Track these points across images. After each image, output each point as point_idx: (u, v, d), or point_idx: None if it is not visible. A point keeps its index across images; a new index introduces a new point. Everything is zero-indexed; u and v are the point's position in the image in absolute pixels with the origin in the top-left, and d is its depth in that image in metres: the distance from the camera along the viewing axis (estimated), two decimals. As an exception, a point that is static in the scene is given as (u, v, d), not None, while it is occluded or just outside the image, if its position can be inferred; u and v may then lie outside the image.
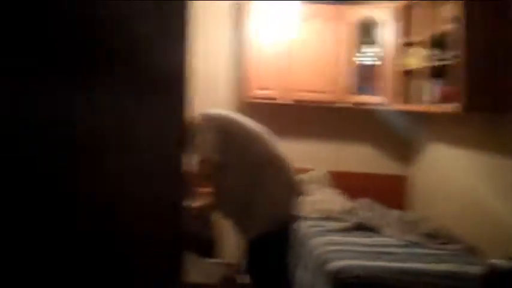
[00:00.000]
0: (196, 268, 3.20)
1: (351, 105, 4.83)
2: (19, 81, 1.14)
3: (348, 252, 3.50)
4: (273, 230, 3.31)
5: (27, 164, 1.16)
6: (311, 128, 5.15)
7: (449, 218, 4.19)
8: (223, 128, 3.23)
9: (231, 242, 4.28)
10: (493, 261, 2.84)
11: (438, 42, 4.02)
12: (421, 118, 4.81)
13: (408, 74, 4.57)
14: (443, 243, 3.78)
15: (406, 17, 4.60)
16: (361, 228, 4.09)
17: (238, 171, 3.26)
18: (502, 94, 3.45)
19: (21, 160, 1.16)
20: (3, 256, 1.15)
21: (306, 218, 4.30)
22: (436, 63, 3.95)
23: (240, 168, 3.26)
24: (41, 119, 1.17)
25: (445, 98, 3.85)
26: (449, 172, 4.34)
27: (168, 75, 1.26)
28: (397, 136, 5.09)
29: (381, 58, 4.82)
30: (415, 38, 4.41)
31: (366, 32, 4.88)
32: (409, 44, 4.53)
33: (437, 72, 4.00)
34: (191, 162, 3.11)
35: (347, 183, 4.94)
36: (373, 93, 4.83)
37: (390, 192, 4.96)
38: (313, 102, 4.84)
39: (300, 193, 3.39)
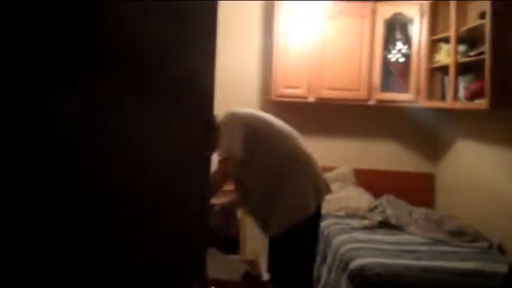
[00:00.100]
0: (219, 264, 3.24)
1: (378, 103, 4.81)
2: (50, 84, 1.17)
3: (371, 250, 3.50)
4: (295, 227, 3.31)
5: (67, 162, 1.20)
6: (337, 125, 5.15)
7: (477, 215, 4.13)
8: (249, 126, 3.24)
9: (254, 238, 4.32)
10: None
11: (465, 39, 3.98)
12: (448, 115, 4.76)
13: (435, 70, 4.53)
14: (469, 241, 3.74)
15: (433, 14, 4.56)
16: (386, 226, 4.07)
17: (263, 169, 3.27)
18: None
19: (64, 158, 1.19)
20: (30, 252, 1.19)
21: (331, 216, 4.31)
22: (464, 60, 3.91)
23: (265, 166, 3.27)
24: (81, 120, 1.20)
25: (472, 95, 3.81)
26: (477, 169, 4.29)
27: (197, 76, 1.28)
28: (424, 133, 5.06)
29: (408, 55, 4.78)
30: (442, 35, 4.36)
31: (393, 29, 4.86)
32: (436, 41, 4.48)
33: (465, 69, 3.96)
34: (216, 160, 3.15)
35: (373, 181, 4.92)
36: (400, 90, 4.80)
37: (417, 190, 4.93)
38: (340, 100, 4.84)
39: (325, 191, 3.38)
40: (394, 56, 4.82)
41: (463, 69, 3.98)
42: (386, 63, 4.83)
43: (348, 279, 3.31)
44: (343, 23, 4.78)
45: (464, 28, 3.94)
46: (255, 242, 4.30)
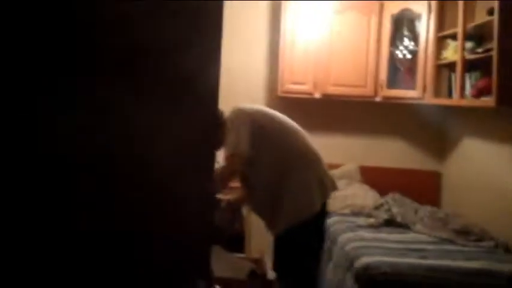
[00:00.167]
0: (225, 263, 3.24)
1: (384, 99, 4.79)
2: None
3: (377, 249, 3.48)
4: (300, 225, 3.30)
5: (71, 163, 1.20)
6: (343, 122, 5.13)
7: (483, 214, 4.11)
8: (256, 122, 3.23)
9: (259, 236, 4.31)
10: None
11: (473, 36, 3.95)
12: (454, 112, 4.73)
13: (442, 67, 4.50)
14: (475, 240, 3.72)
15: (441, 10, 4.53)
16: (391, 224, 4.06)
17: (269, 165, 3.26)
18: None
19: (60, 158, 1.19)
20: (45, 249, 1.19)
21: (336, 214, 4.30)
22: (471, 57, 3.88)
23: (271, 162, 3.26)
24: (84, 119, 1.20)
25: (479, 92, 3.78)
26: (484, 167, 4.26)
27: (202, 75, 1.28)
28: (430, 130, 5.03)
29: (415, 51, 4.75)
30: (449, 31, 4.33)
31: (400, 26, 4.83)
32: (443, 37, 4.45)
33: (472, 66, 3.93)
34: (223, 157, 3.14)
35: (379, 178, 4.90)
36: (407, 87, 4.77)
37: (423, 188, 4.90)
38: (346, 96, 4.82)
39: (331, 188, 3.37)
40: (401, 52, 4.80)
41: (470, 66, 3.95)
42: (393, 60, 4.80)
43: (353, 278, 3.30)
44: (350, 19, 4.76)
45: (471, 25, 3.91)
46: (260, 240, 4.30)
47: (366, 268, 3.21)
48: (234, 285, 3.03)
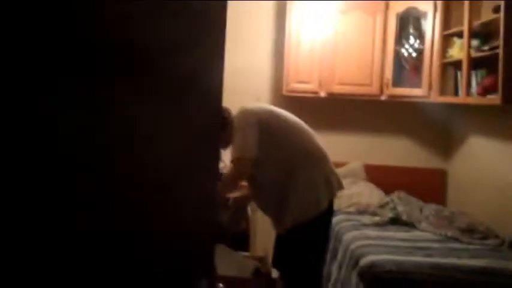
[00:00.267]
0: (229, 261, 3.24)
1: (389, 98, 4.78)
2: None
3: (382, 247, 3.48)
4: (306, 223, 3.30)
5: (71, 163, 1.20)
6: (348, 120, 5.13)
7: (489, 212, 4.10)
8: (263, 122, 3.22)
9: (264, 235, 4.32)
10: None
11: (479, 34, 3.94)
12: (460, 110, 4.72)
13: (448, 65, 4.49)
14: (481, 238, 3.71)
15: (446, 8, 4.52)
16: (397, 222, 4.06)
17: (276, 164, 3.25)
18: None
19: (66, 158, 1.20)
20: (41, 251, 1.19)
21: (341, 212, 4.30)
22: (477, 55, 3.87)
23: (278, 161, 3.25)
24: (84, 119, 1.20)
25: (485, 90, 3.77)
26: (489, 165, 4.25)
27: (205, 75, 1.28)
28: (436, 129, 5.02)
29: (421, 50, 4.74)
30: (455, 29, 4.32)
31: (406, 24, 4.81)
32: (449, 36, 4.44)
33: (478, 64, 3.92)
34: (229, 158, 3.13)
35: (384, 176, 4.90)
36: (412, 86, 4.76)
37: (428, 186, 4.89)
38: (351, 95, 4.82)
39: (337, 186, 3.36)
40: (407, 50, 4.78)
41: (476, 64, 3.94)
42: (398, 58, 4.79)
43: (358, 276, 3.30)
44: (355, 19, 4.76)
45: (477, 23, 3.90)
46: (265, 238, 4.30)
47: (371, 266, 3.21)
48: (238, 284, 3.03)
